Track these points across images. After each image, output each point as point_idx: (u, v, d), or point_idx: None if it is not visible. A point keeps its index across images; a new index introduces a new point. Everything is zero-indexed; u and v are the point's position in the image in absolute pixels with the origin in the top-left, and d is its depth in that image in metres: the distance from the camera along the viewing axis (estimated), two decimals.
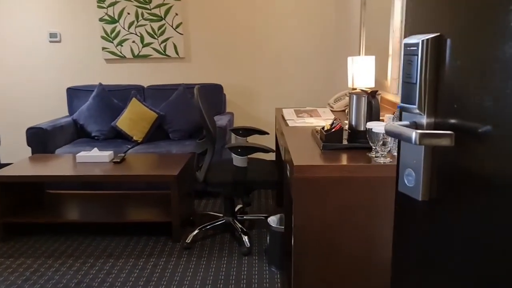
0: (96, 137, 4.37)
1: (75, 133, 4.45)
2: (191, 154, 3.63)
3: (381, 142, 1.96)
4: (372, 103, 2.13)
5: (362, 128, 2.22)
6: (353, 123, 2.24)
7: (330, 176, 1.93)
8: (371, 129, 2.02)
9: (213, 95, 4.47)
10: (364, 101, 2.19)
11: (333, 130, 2.22)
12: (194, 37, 4.59)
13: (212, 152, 2.98)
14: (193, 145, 4.01)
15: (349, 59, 3.27)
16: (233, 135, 3.54)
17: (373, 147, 2.07)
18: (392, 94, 2.65)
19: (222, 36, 4.55)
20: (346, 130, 2.28)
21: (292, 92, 4.46)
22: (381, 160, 1.96)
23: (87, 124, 4.39)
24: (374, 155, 2.05)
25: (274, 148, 3.81)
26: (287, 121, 3.00)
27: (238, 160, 2.85)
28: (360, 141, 2.21)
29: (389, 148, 2.00)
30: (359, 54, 3.90)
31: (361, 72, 2.71)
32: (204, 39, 4.58)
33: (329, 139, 2.19)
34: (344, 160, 2.01)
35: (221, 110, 4.48)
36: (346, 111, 3.35)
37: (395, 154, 2.08)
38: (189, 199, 3.55)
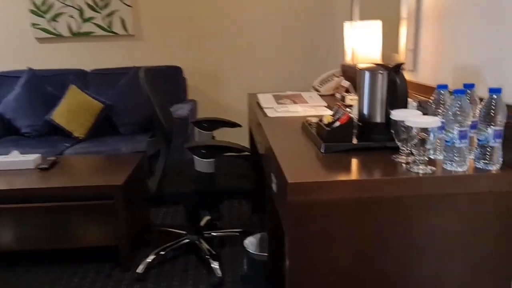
0: (26, 134, 3.54)
1: (0, 130, 3.60)
2: (142, 154, 2.87)
3: (415, 140, 1.28)
4: (397, 83, 1.44)
5: (379, 120, 1.53)
6: (366, 112, 1.55)
7: (342, 198, 1.23)
8: (401, 121, 1.33)
9: (170, 79, 3.70)
10: (382, 80, 1.50)
11: (339, 123, 1.52)
12: (146, 10, 3.79)
13: (166, 153, 2.24)
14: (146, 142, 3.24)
15: (346, 24, 2.57)
16: (196, 130, 2.79)
17: (402, 148, 1.38)
18: (407, 71, 1.98)
19: (181, 8, 3.77)
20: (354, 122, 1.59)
21: (266, 74, 3.74)
22: (420, 169, 1.28)
23: (14, 118, 3.55)
24: (404, 161, 1.37)
25: (248, 144, 3.10)
26: (265, 110, 2.29)
27: (202, 165, 2.12)
28: (376, 138, 1.52)
29: (430, 150, 1.32)
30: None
31: (362, 42, 2.03)
32: (158, 12, 3.79)
33: (333, 137, 1.49)
34: (361, 170, 1.32)
35: (180, 98, 3.72)
36: (338, 95, 2.67)
37: (437, 157, 1.40)
38: (141, 211, 2.80)
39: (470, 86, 1.36)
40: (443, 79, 1.75)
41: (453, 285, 1.32)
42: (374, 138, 1.52)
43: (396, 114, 1.36)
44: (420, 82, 1.90)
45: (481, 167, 1.29)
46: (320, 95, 2.65)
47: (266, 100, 2.48)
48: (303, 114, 2.17)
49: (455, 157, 1.28)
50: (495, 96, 1.25)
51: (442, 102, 1.38)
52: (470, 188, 1.26)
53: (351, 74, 2.79)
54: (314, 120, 1.79)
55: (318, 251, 1.26)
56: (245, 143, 3.14)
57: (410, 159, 1.36)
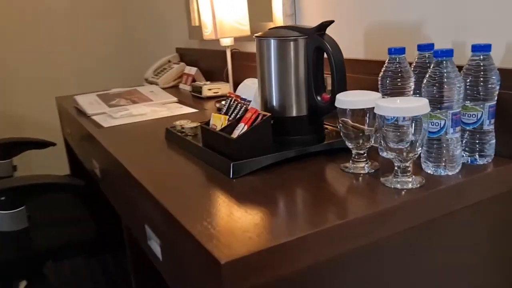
0: None
1: None
2: None
3: (394, 137, 0.79)
4: (332, 53, 0.92)
5: (298, 112, 1.00)
6: (275, 103, 1.01)
7: (316, 263, 0.67)
8: (369, 108, 0.83)
9: None
10: (302, 50, 0.97)
11: (244, 125, 0.94)
12: None
13: None
14: None
15: None
16: None
17: (359, 152, 0.89)
18: None
19: None
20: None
21: (72, 71, 2.85)
22: (407, 184, 0.79)
23: None
24: (367, 170, 0.87)
25: (68, 169, 2.26)
26: (95, 118, 1.56)
27: (5, 221, 1.29)
28: (300, 140, 0.99)
29: (417, 150, 0.84)
30: None
31: (222, 12, 1.45)
32: None
33: (245, 149, 0.91)
34: (318, 203, 0.77)
35: None
36: (186, 86, 2.06)
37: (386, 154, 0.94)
38: None
39: (427, 47, 0.93)
40: (346, 49, 1.31)
41: None
42: (296, 141, 0.99)
43: (349, 100, 0.85)
44: None
45: (472, 163, 0.88)
46: (165, 89, 2.01)
47: (90, 103, 1.73)
48: (155, 117, 1.51)
49: (444, 155, 0.83)
50: (483, 56, 0.83)
51: (424, 71, 0.91)
52: (474, 196, 0.83)
53: (195, 57, 2.21)
54: (188, 124, 1.17)
55: None
56: (64, 166, 2.30)
57: (368, 166, 0.88)
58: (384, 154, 0.94)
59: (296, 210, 0.74)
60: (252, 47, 1.74)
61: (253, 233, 0.66)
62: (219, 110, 1.56)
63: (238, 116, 0.99)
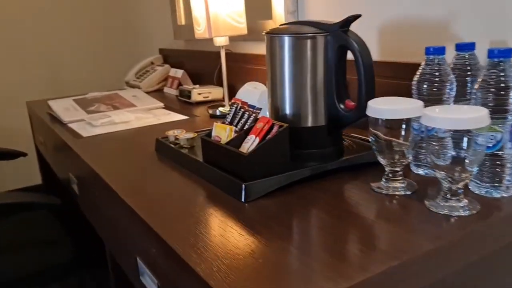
0: None
1: None
2: None
3: (447, 153, 0.66)
4: (360, 54, 0.78)
5: (316, 122, 0.86)
6: (289, 111, 0.87)
7: None
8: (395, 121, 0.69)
9: None
10: (322, 50, 0.83)
11: (255, 138, 0.80)
12: None
13: None
14: None
15: None
16: None
17: (393, 169, 0.75)
18: None
19: None
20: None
21: (39, 74, 2.64)
22: (462, 209, 0.66)
23: None
24: (403, 192, 0.74)
25: (39, 178, 2.06)
26: (72, 126, 1.38)
27: None
28: (317, 154, 0.85)
29: (473, 168, 0.71)
30: None
31: (218, 8, 1.29)
32: None
33: (258, 168, 0.76)
34: (359, 238, 0.63)
35: None
36: (172, 90, 1.90)
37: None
38: None
39: (467, 47, 0.80)
40: None
41: None
42: (313, 155, 0.85)
43: (387, 109, 0.71)
44: None
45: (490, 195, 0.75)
46: (149, 92, 1.84)
47: (65, 109, 1.55)
48: (141, 125, 1.35)
49: (499, 174, 0.70)
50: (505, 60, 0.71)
51: (472, 74, 0.78)
52: None
53: (181, 58, 2.05)
54: (183, 135, 1.01)
55: None
56: (35, 178, 2.10)
57: (405, 187, 0.74)
58: (422, 172, 0.81)
59: (332, 247, 0.59)
60: (247, 48, 1.59)
61: (281, 282, 0.51)
62: (212, 117, 1.41)
63: (247, 126, 0.84)
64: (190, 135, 1.00)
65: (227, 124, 0.87)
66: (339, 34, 0.81)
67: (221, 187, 0.79)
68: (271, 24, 1.38)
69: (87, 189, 1.13)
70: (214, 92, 1.66)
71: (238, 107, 0.88)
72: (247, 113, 0.86)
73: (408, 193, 0.74)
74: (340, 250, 0.58)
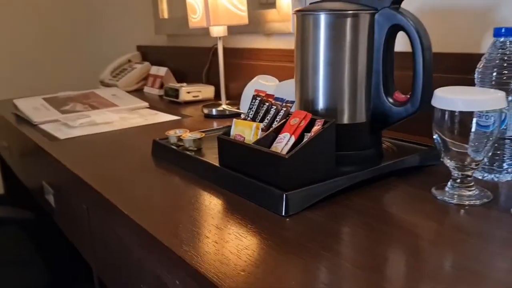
0: None
1: None
2: None
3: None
4: (419, 35, 0.64)
5: (361, 118, 0.72)
6: (322, 106, 0.72)
7: None
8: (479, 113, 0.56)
9: None
10: (366, 31, 0.69)
11: (290, 137, 0.65)
12: None
13: None
14: None
15: None
16: None
17: (460, 171, 0.62)
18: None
19: None
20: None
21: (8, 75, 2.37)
22: None
23: None
24: (479, 200, 0.60)
25: (3, 190, 1.82)
26: (44, 127, 1.19)
27: None
28: (362, 156, 0.71)
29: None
30: None
31: None
32: None
33: (301, 172, 0.61)
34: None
35: None
36: (153, 90, 1.72)
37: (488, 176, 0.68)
38: None
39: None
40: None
41: None
42: (354, 158, 0.71)
43: (460, 99, 0.58)
44: None
45: None
46: (130, 92, 1.66)
47: (35, 109, 1.35)
48: (126, 126, 1.17)
49: None
50: None
51: None
52: None
53: (162, 56, 1.88)
54: (189, 135, 0.85)
55: None
56: None
57: (478, 195, 0.61)
58: (480, 176, 0.68)
59: (425, 273, 0.45)
60: (242, 42, 1.44)
61: None
62: (207, 117, 1.25)
63: (277, 123, 0.69)
64: (197, 135, 0.84)
65: (250, 121, 0.72)
66: (389, 12, 0.67)
67: (250, 197, 0.63)
68: (274, 14, 1.24)
69: (68, 201, 0.95)
70: (204, 91, 1.49)
71: (262, 101, 0.73)
72: (274, 107, 0.71)
73: (486, 201, 0.60)
74: (428, 274, 0.44)
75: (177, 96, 1.48)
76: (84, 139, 1.07)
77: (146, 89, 1.78)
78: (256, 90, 0.75)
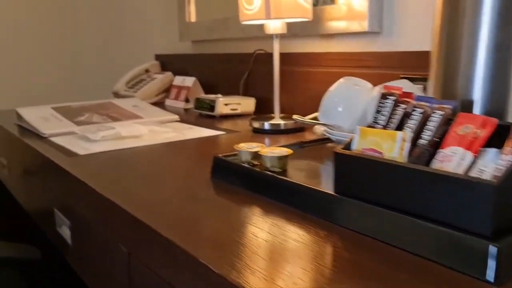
0: None
1: None
2: None
3: None
4: None
5: None
6: (485, 104, 0.49)
7: None
8: None
9: None
10: None
11: (487, 147, 0.40)
12: None
13: None
14: None
15: None
16: None
17: None
18: (367, 36, 1.01)
19: None
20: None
21: (9, 85, 2.12)
22: None
23: None
24: None
25: None
26: (55, 140, 0.95)
27: None
28: None
29: None
30: None
31: None
32: None
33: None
34: None
35: None
36: (179, 102, 1.49)
37: None
38: None
39: None
40: None
41: None
42: None
43: None
44: (399, 50, 0.95)
45: None
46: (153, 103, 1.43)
47: (44, 119, 1.11)
48: (159, 141, 0.94)
49: None
50: None
51: None
52: None
53: (184, 65, 1.65)
54: (270, 151, 0.61)
55: None
56: None
57: None
58: None
59: None
60: (293, 45, 1.22)
61: None
62: (256, 132, 1.02)
63: (432, 133, 0.46)
64: (283, 151, 0.60)
65: (389, 130, 0.49)
66: None
67: (411, 247, 0.40)
68: (335, 10, 1.02)
69: (93, 238, 0.70)
70: (244, 104, 1.27)
71: (398, 101, 0.50)
72: (420, 110, 0.48)
73: None
74: None
75: (211, 109, 1.25)
76: (109, 155, 0.84)
77: (169, 102, 1.55)
78: (386, 87, 0.52)
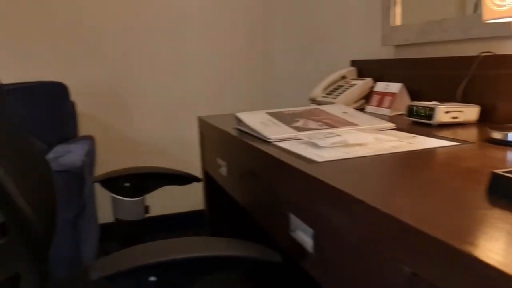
0: None
1: None
2: None
3: None
4: None
5: None
6: None
7: None
8: None
9: (45, 104, 2.17)
10: None
11: None
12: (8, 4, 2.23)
13: (37, 270, 0.79)
14: None
15: None
16: (108, 194, 1.37)
17: None
18: None
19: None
20: None
21: (193, 90, 2.35)
22: None
23: None
24: None
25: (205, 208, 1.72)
26: (281, 145, 0.97)
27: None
28: None
29: None
30: None
31: None
32: (31, 6, 2.26)
33: None
34: None
35: (66, 134, 2.20)
36: (383, 110, 1.44)
37: None
38: None
39: None
40: None
41: None
42: None
43: None
44: None
45: None
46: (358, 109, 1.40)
47: (263, 124, 1.16)
48: (385, 150, 0.89)
49: None
50: None
51: None
52: None
53: (383, 71, 1.59)
54: None
55: None
56: (190, 201, 1.77)
57: None
58: None
59: None
60: None
61: None
62: (495, 143, 0.91)
63: None
64: None
65: None
66: None
67: None
68: None
69: (350, 249, 0.68)
70: (467, 112, 1.15)
71: None
72: None
73: None
74: None
75: (429, 117, 1.16)
76: (347, 163, 0.81)
77: (370, 109, 1.51)
78: None
